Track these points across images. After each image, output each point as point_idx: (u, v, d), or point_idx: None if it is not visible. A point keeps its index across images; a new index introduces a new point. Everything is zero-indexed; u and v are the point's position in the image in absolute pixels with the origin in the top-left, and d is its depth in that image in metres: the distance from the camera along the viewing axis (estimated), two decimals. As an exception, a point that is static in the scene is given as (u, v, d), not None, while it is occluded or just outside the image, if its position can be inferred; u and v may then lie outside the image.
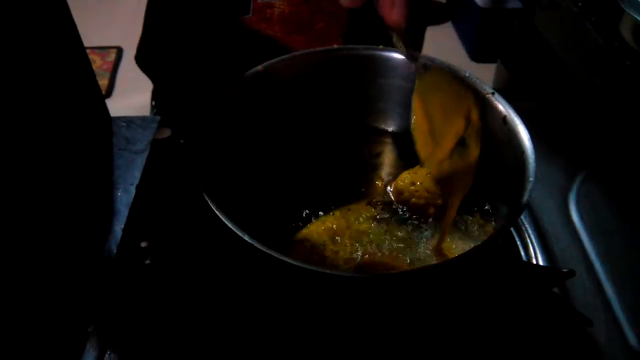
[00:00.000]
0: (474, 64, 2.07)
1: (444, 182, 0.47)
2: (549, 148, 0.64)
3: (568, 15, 1.07)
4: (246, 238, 0.36)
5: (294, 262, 0.35)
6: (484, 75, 1.83)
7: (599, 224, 0.54)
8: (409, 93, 0.52)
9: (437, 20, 2.23)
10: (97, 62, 2.04)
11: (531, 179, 0.39)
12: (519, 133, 0.43)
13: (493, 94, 0.46)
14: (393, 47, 0.49)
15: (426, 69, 0.46)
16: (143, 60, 0.86)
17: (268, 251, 0.35)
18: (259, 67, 0.49)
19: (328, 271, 0.36)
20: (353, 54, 0.52)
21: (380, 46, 0.51)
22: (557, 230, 0.54)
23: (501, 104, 0.45)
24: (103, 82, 1.96)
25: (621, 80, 0.83)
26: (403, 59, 0.51)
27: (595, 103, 0.88)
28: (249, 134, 0.50)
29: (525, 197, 0.38)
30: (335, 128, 0.55)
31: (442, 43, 2.13)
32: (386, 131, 0.56)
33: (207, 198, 0.39)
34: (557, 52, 1.23)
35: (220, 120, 0.47)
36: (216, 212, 0.38)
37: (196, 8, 0.72)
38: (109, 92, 1.94)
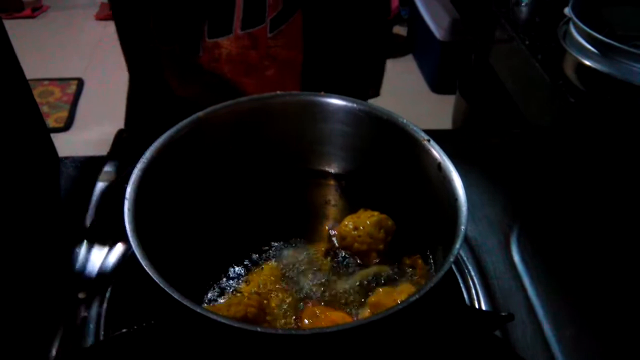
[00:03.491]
0: (434, 96, 2.12)
1: None
2: (494, 188, 0.66)
3: (517, 52, 1.12)
4: (176, 296, 0.36)
5: (227, 322, 0.35)
6: (444, 106, 1.87)
7: (539, 264, 0.55)
8: (350, 136, 0.53)
9: (399, 53, 2.29)
10: (57, 94, 2.01)
11: (462, 227, 0.40)
12: (452, 180, 0.43)
13: (429, 141, 0.47)
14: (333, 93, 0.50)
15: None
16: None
17: (202, 311, 0.35)
18: (200, 114, 0.49)
19: (259, 329, 0.35)
20: (294, 100, 0.52)
21: (322, 92, 0.52)
22: (500, 271, 0.55)
23: (436, 151, 0.46)
24: (62, 114, 1.92)
25: (566, 116, 0.86)
26: (342, 104, 0.52)
27: (544, 140, 0.91)
28: (191, 179, 0.50)
29: (457, 246, 0.39)
30: (278, 172, 0.55)
31: (404, 75, 2.18)
32: (329, 173, 0.57)
33: (138, 256, 0.38)
34: (507, 87, 1.27)
35: (161, 165, 0.46)
36: (147, 270, 0.37)
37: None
38: (69, 124, 1.91)
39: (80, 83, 2.08)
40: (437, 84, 2.12)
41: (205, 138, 0.50)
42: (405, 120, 0.48)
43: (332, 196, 0.56)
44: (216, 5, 0.67)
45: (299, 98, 0.52)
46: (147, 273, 0.37)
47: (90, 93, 2.05)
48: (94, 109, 1.96)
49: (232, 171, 0.53)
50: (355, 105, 0.51)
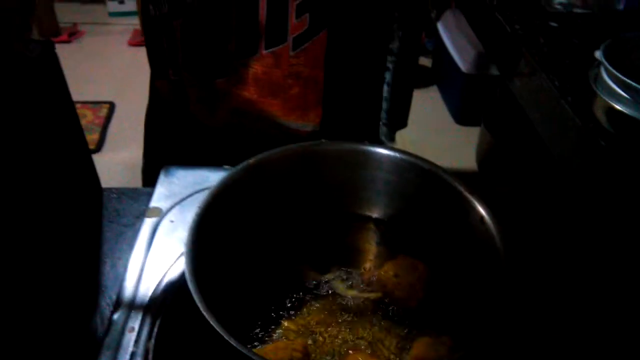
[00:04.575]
0: (458, 127, 2.14)
1: None
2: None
3: (547, 92, 1.13)
4: (232, 342, 0.37)
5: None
6: (467, 137, 1.88)
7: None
8: (392, 184, 0.55)
9: (423, 84, 2.31)
10: (89, 117, 2.07)
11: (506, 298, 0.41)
12: (495, 237, 0.45)
13: (473, 193, 0.48)
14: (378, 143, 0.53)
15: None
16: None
17: (252, 355, 0.36)
18: (251, 160, 0.52)
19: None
20: (340, 148, 0.55)
21: (365, 141, 0.54)
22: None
23: (479, 204, 0.48)
24: (94, 137, 1.98)
25: (597, 159, 0.87)
26: (386, 154, 0.54)
27: (573, 187, 0.91)
28: (242, 222, 0.52)
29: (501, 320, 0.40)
30: (321, 215, 0.57)
31: (428, 106, 2.20)
32: (370, 217, 0.58)
33: (196, 299, 0.40)
34: (535, 125, 1.28)
35: (214, 209, 0.48)
36: (205, 314, 0.39)
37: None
38: (99, 146, 1.96)
39: (111, 107, 2.14)
40: (461, 116, 2.14)
41: (255, 183, 0.52)
42: (448, 172, 0.50)
43: (372, 240, 0.57)
44: (242, 26, 0.69)
45: (345, 146, 0.55)
46: (203, 315, 0.39)
47: (121, 117, 2.10)
48: (124, 132, 2.01)
49: (279, 213, 0.55)
50: (399, 155, 0.53)
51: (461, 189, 0.49)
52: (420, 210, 0.53)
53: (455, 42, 2.13)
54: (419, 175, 0.52)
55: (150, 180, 0.94)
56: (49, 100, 0.64)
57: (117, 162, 1.84)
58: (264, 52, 0.70)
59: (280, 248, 0.55)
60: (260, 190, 0.53)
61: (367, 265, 0.56)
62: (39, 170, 0.62)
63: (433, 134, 2.09)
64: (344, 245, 0.57)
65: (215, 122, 0.78)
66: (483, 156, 1.89)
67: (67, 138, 0.69)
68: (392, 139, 0.79)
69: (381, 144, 0.53)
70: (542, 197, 0.77)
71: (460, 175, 0.50)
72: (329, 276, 0.54)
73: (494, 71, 2.09)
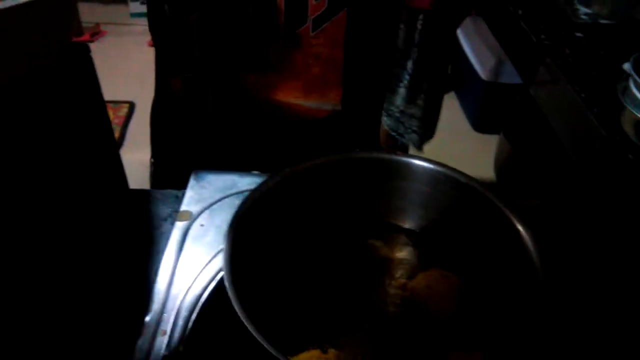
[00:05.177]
0: (476, 134, 2.13)
1: None
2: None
3: (572, 104, 1.11)
4: (272, 352, 0.38)
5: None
6: (486, 145, 1.86)
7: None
8: (427, 195, 0.55)
9: (442, 90, 2.31)
10: (110, 116, 2.09)
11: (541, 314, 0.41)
12: (532, 252, 0.45)
13: (508, 207, 0.48)
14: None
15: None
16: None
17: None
18: (286, 170, 0.52)
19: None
20: (375, 157, 0.55)
21: (399, 152, 0.54)
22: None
23: (516, 220, 0.48)
24: (114, 135, 2.00)
25: (624, 173, 0.86)
26: (422, 165, 0.54)
27: (597, 199, 0.90)
28: (274, 231, 0.52)
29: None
30: (354, 224, 0.57)
31: (446, 112, 2.18)
32: (402, 228, 0.58)
33: (234, 304, 0.40)
34: (559, 134, 1.26)
35: (249, 218, 0.49)
36: (242, 319, 0.40)
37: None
38: (119, 145, 1.98)
39: (131, 106, 2.16)
40: (480, 123, 2.13)
41: (290, 191, 0.52)
42: (484, 185, 0.50)
43: (404, 251, 0.57)
44: (260, 12, 0.69)
45: (380, 156, 0.55)
46: (237, 319, 0.39)
47: (140, 116, 2.12)
48: (143, 131, 2.03)
49: (313, 221, 0.55)
50: (434, 166, 0.53)
51: (498, 203, 0.49)
52: (454, 222, 0.53)
53: (475, 49, 2.12)
54: (454, 187, 0.52)
55: (160, 182, 0.94)
56: (83, 102, 0.65)
57: (136, 160, 1.85)
58: (284, 34, 0.69)
59: (313, 255, 0.55)
60: (294, 199, 0.53)
61: (400, 275, 0.56)
62: (70, 170, 0.63)
63: (450, 141, 2.07)
64: (377, 254, 0.57)
65: (233, 115, 0.79)
66: (502, 165, 1.88)
67: (98, 139, 0.70)
68: (420, 148, 0.79)
69: (414, 155, 0.53)
70: (570, 211, 0.76)
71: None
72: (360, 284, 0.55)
73: (514, 79, 2.08)
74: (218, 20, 0.71)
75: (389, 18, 0.75)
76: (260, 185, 0.50)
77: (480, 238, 0.51)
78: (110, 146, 0.75)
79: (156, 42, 0.80)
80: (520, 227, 0.47)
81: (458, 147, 2.11)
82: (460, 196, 0.52)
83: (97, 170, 0.67)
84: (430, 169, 0.53)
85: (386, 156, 0.55)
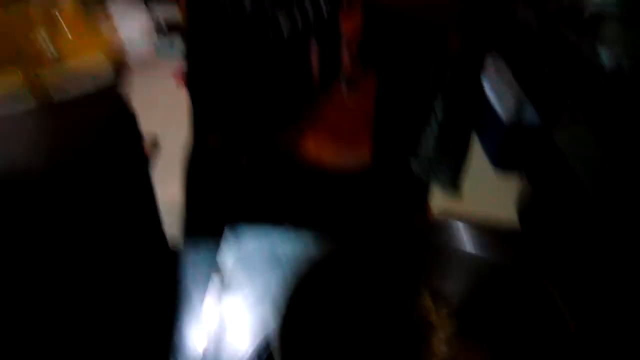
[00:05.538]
0: (496, 175, 2.13)
1: None
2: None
3: (594, 147, 1.11)
4: None
5: None
6: (507, 186, 1.85)
7: None
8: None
9: (461, 129, 2.31)
10: (134, 150, 2.13)
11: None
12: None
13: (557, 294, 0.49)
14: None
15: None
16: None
17: None
18: (332, 245, 0.53)
19: None
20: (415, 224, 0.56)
21: (448, 217, 0.55)
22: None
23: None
24: (137, 170, 2.03)
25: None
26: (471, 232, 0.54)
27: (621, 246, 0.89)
28: (319, 304, 0.53)
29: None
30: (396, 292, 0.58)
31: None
32: (442, 296, 0.59)
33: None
34: (581, 177, 1.26)
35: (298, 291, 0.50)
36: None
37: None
38: (142, 179, 2.01)
39: (155, 140, 2.20)
40: (500, 161, 2.13)
41: (333, 267, 0.53)
42: (533, 267, 0.50)
43: (444, 319, 0.58)
44: (296, 73, 0.71)
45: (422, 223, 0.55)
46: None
47: (163, 150, 2.16)
48: (166, 165, 2.06)
49: (356, 290, 0.56)
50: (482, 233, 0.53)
51: (545, 283, 0.49)
52: (495, 297, 0.54)
53: (495, 88, 2.14)
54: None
55: (192, 230, 0.94)
56: (128, 157, 0.67)
57: (160, 194, 1.88)
58: (318, 91, 0.72)
59: (357, 318, 0.56)
60: (340, 275, 0.54)
61: (435, 342, 0.56)
62: (115, 226, 0.65)
63: (471, 181, 2.06)
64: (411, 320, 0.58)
65: (266, 170, 0.80)
66: (523, 208, 1.87)
67: (139, 189, 0.72)
68: (452, 192, 0.81)
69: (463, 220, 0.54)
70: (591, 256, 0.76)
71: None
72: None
73: (535, 120, 2.09)
74: (255, 80, 0.73)
75: (418, 70, 0.77)
76: (308, 258, 0.51)
77: (520, 315, 0.52)
78: (150, 198, 0.77)
79: (194, 100, 0.82)
80: (563, 309, 0.47)
81: (478, 187, 2.09)
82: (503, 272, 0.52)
83: (140, 231, 0.68)
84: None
85: (432, 222, 0.55)
